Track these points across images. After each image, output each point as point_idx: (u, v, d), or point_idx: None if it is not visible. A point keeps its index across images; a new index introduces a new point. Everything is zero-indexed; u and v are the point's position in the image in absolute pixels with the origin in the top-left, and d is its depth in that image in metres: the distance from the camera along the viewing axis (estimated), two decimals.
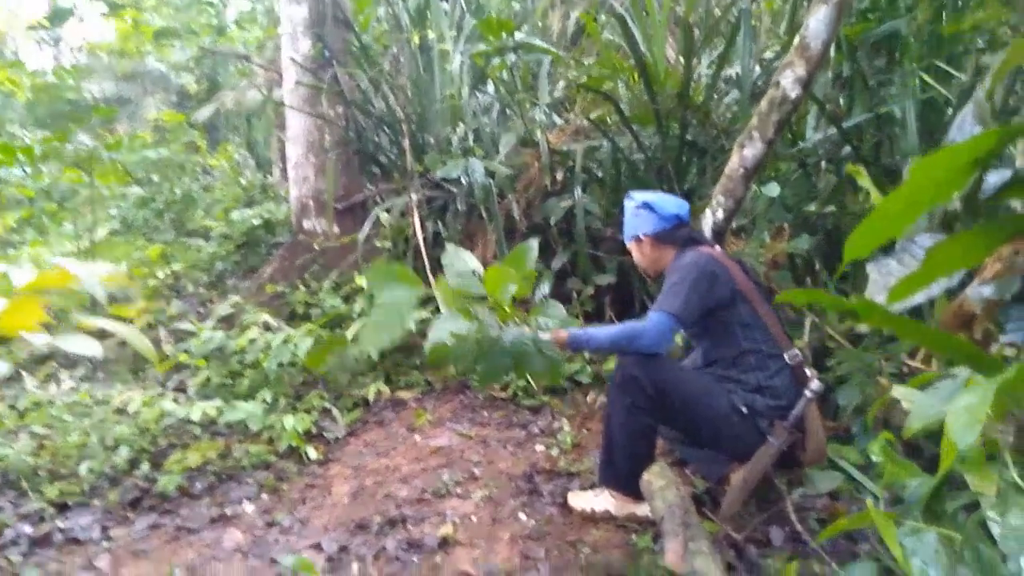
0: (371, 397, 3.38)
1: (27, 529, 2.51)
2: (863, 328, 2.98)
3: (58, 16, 9.07)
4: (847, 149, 3.31)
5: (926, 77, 3.11)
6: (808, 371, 2.20)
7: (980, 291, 1.15)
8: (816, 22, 2.20)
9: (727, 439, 2.19)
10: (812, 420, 2.12)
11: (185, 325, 4.16)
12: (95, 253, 5.83)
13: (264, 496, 2.71)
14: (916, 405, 0.95)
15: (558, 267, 3.78)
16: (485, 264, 3.96)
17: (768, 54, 4.08)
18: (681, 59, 3.74)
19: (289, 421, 3.02)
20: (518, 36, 3.58)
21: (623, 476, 2.25)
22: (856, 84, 3.33)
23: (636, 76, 3.49)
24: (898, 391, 1.10)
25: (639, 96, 3.70)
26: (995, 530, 0.96)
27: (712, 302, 2.17)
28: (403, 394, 3.45)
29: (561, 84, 3.99)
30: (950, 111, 3.05)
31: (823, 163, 3.40)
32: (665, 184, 3.56)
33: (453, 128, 4.30)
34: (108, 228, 6.30)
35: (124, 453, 2.94)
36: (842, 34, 3.08)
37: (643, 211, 2.39)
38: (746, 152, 2.38)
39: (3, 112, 7.47)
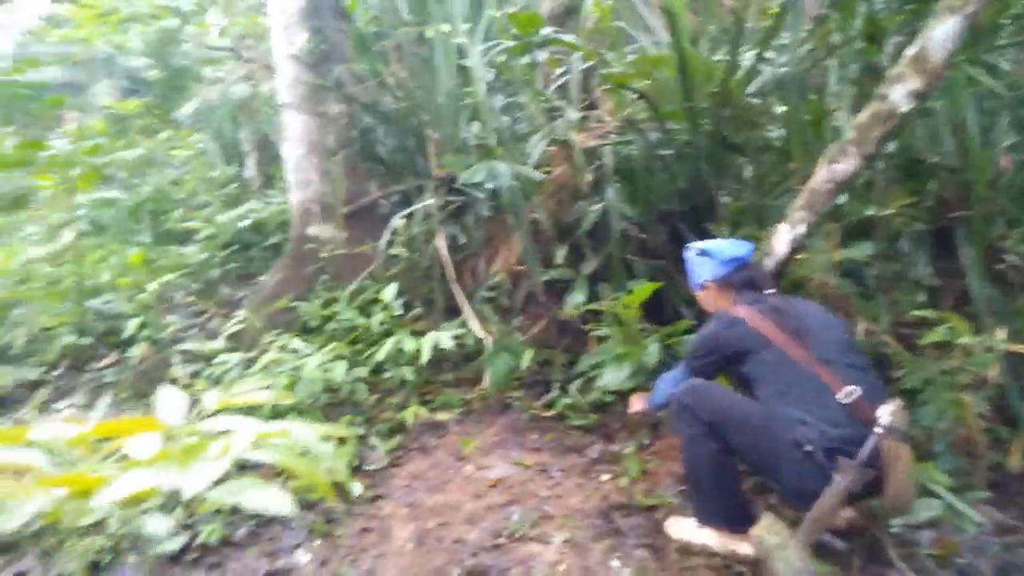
0: (408, 421, 3.20)
1: None
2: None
3: None
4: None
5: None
6: (886, 407, 1.95)
7: None
8: (942, 32, 2.07)
9: (789, 476, 2.01)
10: (892, 462, 1.90)
11: (191, 345, 3.91)
12: (63, 258, 5.47)
13: (317, 542, 2.54)
14: None
15: (589, 272, 3.63)
16: (510, 272, 3.85)
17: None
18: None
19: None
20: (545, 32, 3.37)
21: (715, 511, 2.18)
22: None
23: (672, 71, 3.32)
24: None
25: (670, 91, 3.54)
26: None
27: (728, 351, 2.22)
28: (441, 416, 3.28)
29: (589, 81, 3.81)
30: None
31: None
32: (701, 184, 3.44)
33: (466, 126, 4.08)
34: (76, 230, 5.88)
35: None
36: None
37: (703, 258, 2.46)
38: (838, 166, 2.26)
39: None
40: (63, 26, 8.64)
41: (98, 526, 2.59)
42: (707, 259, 2.41)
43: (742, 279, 2.35)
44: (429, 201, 3.80)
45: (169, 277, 4.83)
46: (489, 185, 3.53)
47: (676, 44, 3.07)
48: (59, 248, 5.63)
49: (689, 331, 3.02)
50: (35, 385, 4.01)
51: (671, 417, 2.28)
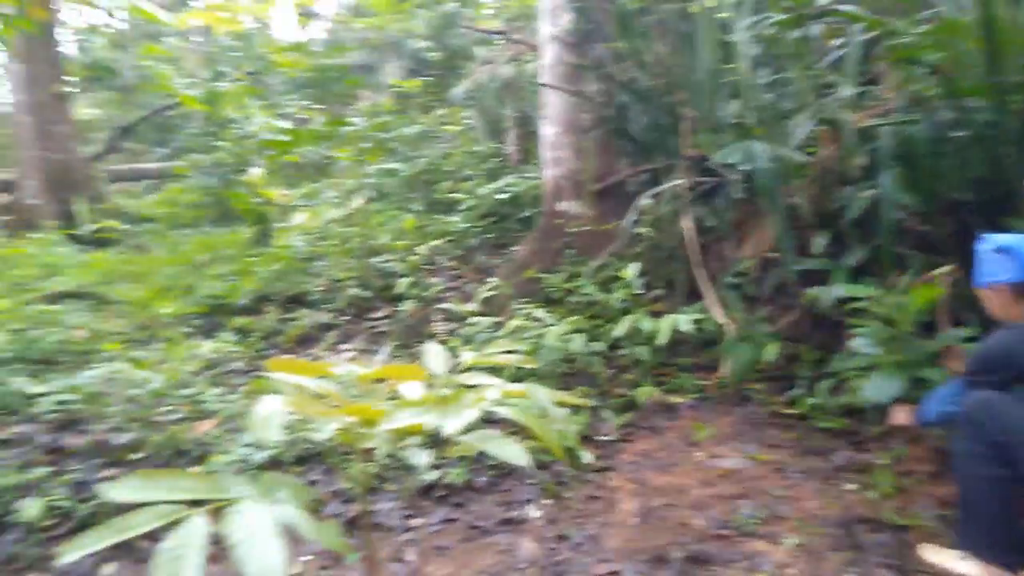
0: (641, 399, 3.24)
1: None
2: None
3: None
4: None
5: None
6: None
7: None
8: None
9: None
10: None
11: (450, 306, 4.33)
12: (353, 220, 6.31)
13: (547, 501, 2.70)
14: None
15: (851, 265, 3.32)
16: (760, 258, 3.66)
17: None
18: None
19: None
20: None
21: (985, 541, 1.95)
22: None
23: (976, 40, 2.88)
24: None
25: (971, 64, 3.07)
26: None
27: (1020, 369, 1.97)
28: (674, 399, 3.27)
29: (870, 55, 3.44)
30: None
31: None
32: (1002, 172, 2.96)
33: (723, 104, 3.93)
34: (364, 196, 6.69)
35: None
36: None
37: (1001, 256, 2.11)
38: None
39: (284, 88, 8.33)
40: (363, 14, 9.84)
41: (369, 453, 3.04)
42: (1007, 258, 2.07)
43: None
44: (678, 181, 3.75)
45: (435, 243, 5.37)
46: (744, 166, 3.39)
47: (983, 8, 2.66)
48: (350, 211, 6.53)
49: (970, 342, 2.64)
50: (326, 328, 4.73)
51: (953, 432, 2.03)
